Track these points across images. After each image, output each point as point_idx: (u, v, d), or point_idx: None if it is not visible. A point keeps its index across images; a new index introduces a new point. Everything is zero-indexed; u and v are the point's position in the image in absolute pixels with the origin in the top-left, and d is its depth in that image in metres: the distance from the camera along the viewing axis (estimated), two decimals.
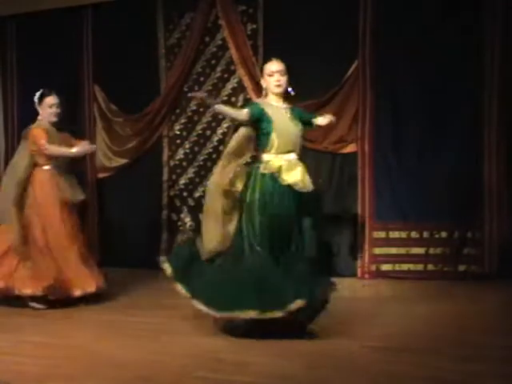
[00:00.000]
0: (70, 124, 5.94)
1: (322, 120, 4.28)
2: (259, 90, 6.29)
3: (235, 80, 6.49)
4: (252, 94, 6.41)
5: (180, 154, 6.85)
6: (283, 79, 4.18)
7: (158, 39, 6.89)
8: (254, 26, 6.47)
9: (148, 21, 6.90)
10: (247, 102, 6.41)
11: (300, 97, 6.07)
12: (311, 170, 6.15)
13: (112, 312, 4.88)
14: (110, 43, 7.04)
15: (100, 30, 7.12)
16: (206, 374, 3.34)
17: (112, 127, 7.12)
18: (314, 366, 3.44)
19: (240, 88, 6.49)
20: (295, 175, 4.15)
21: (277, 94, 4.20)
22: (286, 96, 4.24)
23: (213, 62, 6.68)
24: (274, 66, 4.18)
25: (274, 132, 4.11)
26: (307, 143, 6.20)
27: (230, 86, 6.62)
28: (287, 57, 6.09)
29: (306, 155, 6.24)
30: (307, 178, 4.16)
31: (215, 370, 3.42)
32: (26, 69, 7.48)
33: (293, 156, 4.18)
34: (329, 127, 6.07)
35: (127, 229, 7.10)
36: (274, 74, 4.16)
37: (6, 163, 7.59)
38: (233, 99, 6.51)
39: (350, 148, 6.19)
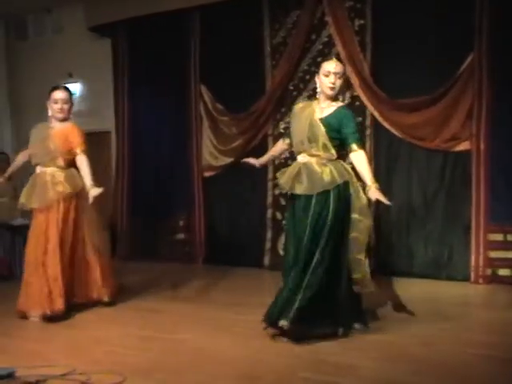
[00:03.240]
0: None
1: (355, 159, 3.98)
2: (366, 86, 6.16)
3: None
4: (359, 91, 6.26)
5: (285, 152, 6.78)
6: (339, 82, 3.99)
7: (264, 38, 6.89)
8: (362, 22, 6.30)
9: (254, 20, 6.93)
10: (354, 99, 6.32)
11: (411, 92, 5.92)
12: (421, 169, 6.03)
13: (217, 309, 4.92)
14: (216, 43, 7.14)
15: (206, 30, 7.24)
16: (310, 376, 3.28)
17: (218, 126, 7.21)
18: (418, 372, 3.32)
19: (347, 85, 6.32)
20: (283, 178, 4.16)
21: (328, 96, 4.03)
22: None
23: (319, 59, 6.55)
24: (332, 67, 3.99)
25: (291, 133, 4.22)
26: (417, 142, 6.01)
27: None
28: (397, 51, 6.00)
29: (416, 154, 6.07)
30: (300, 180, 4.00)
31: (320, 371, 3.36)
32: (137, 69, 7.76)
33: (301, 158, 4.07)
34: (440, 124, 5.86)
35: (232, 227, 7.18)
36: (330, 75, 3.98)
37: (117, 162, 7.94)
38: (339, 96, 6.34)
39: (463, 146, 5.85)
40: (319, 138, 3.94)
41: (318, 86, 4.08)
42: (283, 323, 3.79)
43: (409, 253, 6.10)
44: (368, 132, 6.27)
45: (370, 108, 6.23)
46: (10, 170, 5.26)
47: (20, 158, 5.16)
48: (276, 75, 6.79)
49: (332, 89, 3.98)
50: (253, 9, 6.91)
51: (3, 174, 7.17)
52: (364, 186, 3.92)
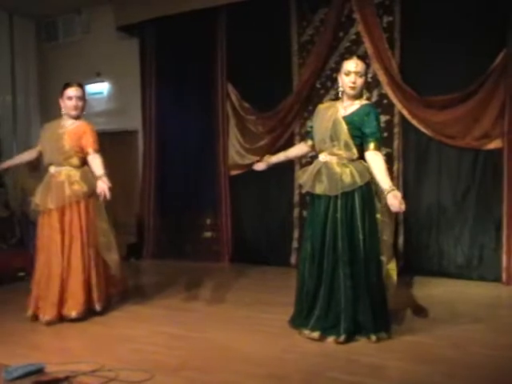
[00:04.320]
0: None
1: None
2: (395, 84, 6.09)
3: (369, 75, 6.20)
4: (387, 89, 6.18)
5: (306, 155, 6.74)
6: (359, 81, 3.95)
7: (291, 36, 6.84)
8: (391, 19, 6.20)
9: (281, 18, 6.88)
10: (381, 97, 6.24)
11: (441, 90, 5.83)
12: (451, 168, 5.93)
13: (244, 307, 4.91)
14: (243, 41, 7.11)
15: (233, 28, 7.22)
16: (338, 376, 3.27)
17: (244, 125, 7.19)
18: (447, 374, 3.28)
19: (374, 82, 6.26)
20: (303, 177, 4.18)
21: (349, 95, 4.00)
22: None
23: (346, 56, 6.50)
24: (352, 66, 3.95)
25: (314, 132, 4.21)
26: (447, 140, 5.92)
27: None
28: (426, 48, 5.92)
29: (445, 152, 5.98)
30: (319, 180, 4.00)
31: (348, 371, 3.34)
32: (164, 68, 7.76)
33: (322, 157, 4.06)
34: (471, 122, 5.75)
35: (259, 226, 7.15)
36: (350, 74, 3.95)
37: (144, 161, 7.99)
38: (367, 95, 6.28)
39: (494, 144, 5.71)
40: (341, 136, 3.92)
41: (339, 85, 4.06)
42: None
43: (439, 253, 6.00)
44: (396, 130, 6.19)
45: (399, 106, 6.14)
46: (9, 162, 5.18)
47: (25, 156, 5.10)
48: (303, 73, 6.74)
49: (353, 88, 3.96)
50: (280, 6, 6.86)
51: (33, 171, 7.29)
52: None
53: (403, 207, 3.60)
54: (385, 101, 6.24)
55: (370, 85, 6.23)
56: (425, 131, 6.04)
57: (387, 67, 6.14)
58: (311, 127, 4.33)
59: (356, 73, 3.93)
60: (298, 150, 4.67)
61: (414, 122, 6.08)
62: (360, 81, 3.96)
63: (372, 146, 3.86)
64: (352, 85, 3.94)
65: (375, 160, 3.83)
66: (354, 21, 6.42)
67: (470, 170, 5.89)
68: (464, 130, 5.80)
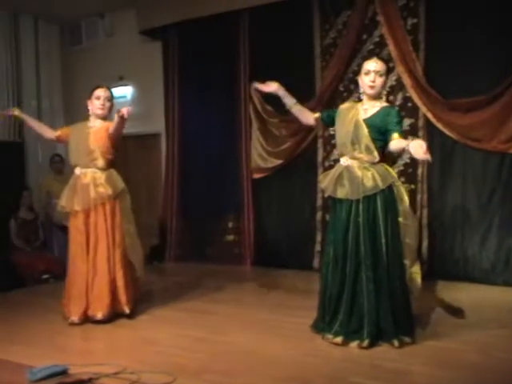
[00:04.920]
0: None
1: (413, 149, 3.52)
2: (419, 87, 6.03)
3: (394, 77, 6.19)
4: (411, 92, 6.11)
5: (335, 154, 6.68)
6: (379, 80, 3.91)
7: (314, 39, 6.82)
8: (415, 21, 6.14)
9: (303, 21, 6.87)
10: (406, 100, 6.19)
11: (466, 93, 5.76)
12: (476, 171, 5.85)
13: (266, 311, 4.90)
14: (265, 45, 7.11)
15: (256, 32, 7.22)
16: (362, 381, 3.23)
17: (267, 128, 7.18)
18: (475, 380, 3.23)
19: (399, 85, 6.21)
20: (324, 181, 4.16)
21: (369, 95, 3.96)
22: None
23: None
24: (372, 66, 3.92)
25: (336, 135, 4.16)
26: (472, 143, 5.84)
27: (387, 83, 6.35)
28: (451, 50, 5.86)
29: (471, 156, 5.90)
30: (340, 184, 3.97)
31: (372, 376, 3.30)
32: (187, 71, 7.79)
33: (343, 161, 4.02)
34: (498, 125, 5.66)
35: (281, 229, 7.13)
36: (370, 73, 3.91)
37: (167, 164, 8.02)
38: (391, 98, 6.24)
39: None
40: (362, 139, 3.89)
41: (360, 86, 4.04)
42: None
43: (464, 257, 5.92)
44: (420, 134, 6.12)
45: (423, 109, 6.07)
46: (31, 121, 5.29)
47: (45, 129, 5.20)
48: (326, 76, 6.71)
49: (372, 87, 3.93)
50: (302, 9, 6.85)
51: (59, 175, 7.39)
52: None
53: (428, 156, 3.41)
54: (409, 104, 6.18)
55: (395, 88, 6.21)
56: (450, 134, 5.96)
57: (411, 70, 6.09)
58: (333, 111, 4.25)
59: (376, 72, 3.91)
60: (307, 115, 4.39)
61: (439, 126, 6.01)
62: (380, 80, 3.93)
63: (396, 135, 3.77)
64: (371, 84, 3.91)
65: (399, 141, 3.74)
66: (377, 23, 6.38)
67: (495, 173, 5.80)
68: (490, 133, 5.71)
